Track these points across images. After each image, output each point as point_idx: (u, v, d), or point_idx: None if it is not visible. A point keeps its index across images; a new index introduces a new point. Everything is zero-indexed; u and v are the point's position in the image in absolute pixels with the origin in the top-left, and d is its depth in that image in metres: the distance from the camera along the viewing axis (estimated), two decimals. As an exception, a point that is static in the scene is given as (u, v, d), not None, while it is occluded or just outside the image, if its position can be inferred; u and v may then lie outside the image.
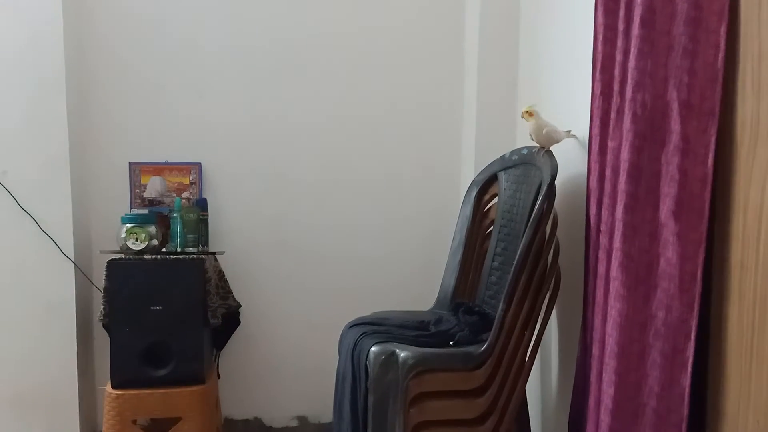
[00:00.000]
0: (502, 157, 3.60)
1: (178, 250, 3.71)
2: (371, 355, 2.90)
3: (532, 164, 3.25)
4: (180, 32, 4.06)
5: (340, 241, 4.32)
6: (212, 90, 4.11)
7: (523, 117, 3.21)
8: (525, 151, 3.37)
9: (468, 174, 4.11)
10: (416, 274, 4.34)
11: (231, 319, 4.01)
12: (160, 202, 4.03)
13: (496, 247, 3.41)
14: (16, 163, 3.73)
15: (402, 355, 2.85)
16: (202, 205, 3.92)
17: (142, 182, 4.03)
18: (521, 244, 2.91)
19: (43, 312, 3.80)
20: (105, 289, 3.56)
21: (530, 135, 3.18)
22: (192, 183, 4.06)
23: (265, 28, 4.14)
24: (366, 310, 3.64)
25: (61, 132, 3.76)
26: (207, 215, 3.91)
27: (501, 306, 2.89)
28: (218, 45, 4.10)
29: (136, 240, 3.60)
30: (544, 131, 3.12)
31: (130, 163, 4.02)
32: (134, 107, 4.04)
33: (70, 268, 3.81)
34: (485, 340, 2.91)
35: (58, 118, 3.75)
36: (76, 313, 3.84)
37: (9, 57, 3.70)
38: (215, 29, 4.09)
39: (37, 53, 3.71)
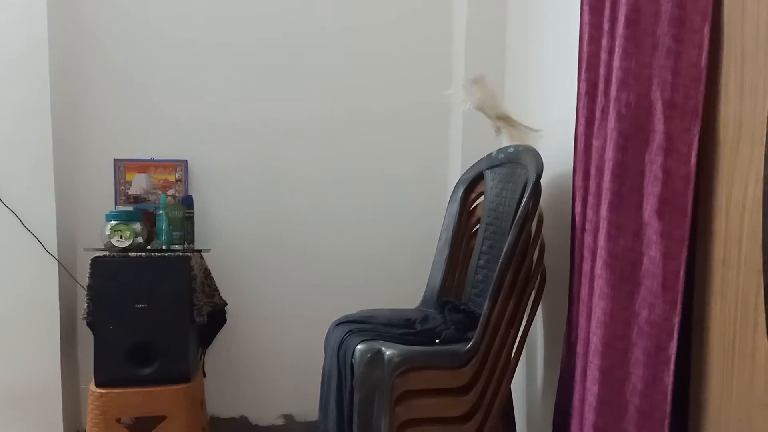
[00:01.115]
0: (489, 155, 3.60)
1: (164, 247, 3.70)
2: (357, 353, 2.90)
3: (518, 163, 3.25)
4: (166, 29, 4.06)
5: (327, 239, 4.33)
6: (198, 87, 4.12)
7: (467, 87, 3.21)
8: (511, 150, 3.37)
9: (455, 172, 4.12)
10: (403, 272, 4.35)
11: (217, 317, 4.01)
12: (145, 200, 4.02)
13: (482, 246, 3.41)
14: (-1, 160, 3.73)
15: (388, 353, 2.84)
16: (187, 202, 3.91)
17: (127, 179, 4.02)
18: (507, 243, 2.91)
19: (26, 310, 3.80)
20: (89, 286, 3.54)
21: (477, 108, 3.19)
22: (178, 180, 4.06)
23: (252, 25, 4.15)
24: (352, 308, 3.63)
25: (45, 128, 3.76)
26: (193, 213, 3.90)
27: (486, 304, 2.89)
28: (204, 42, 4.10)
29: (121, 237, 3.58)
30: (488, 103, 3.13)
31: (114, 159, 4.01)
32: (119, 104, 4.04)
33: (54, 266, 3.80)
34: (471, 338, 2.91)
35: (43, 115, 3.75)
36: (60, 310, 3.84)
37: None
38: (202, 27, 4.10)
39: (22, 49, 3.71)
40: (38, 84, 3.73)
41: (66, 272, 3.89)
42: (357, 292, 4.28)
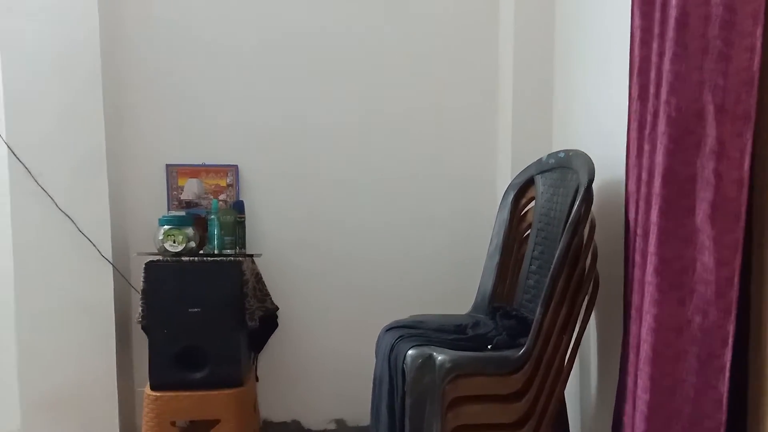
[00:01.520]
0: (539, 160, 3.57)
1: (216, 252, 3.73)
2: (408, 359, 2.90)
3: (569, 168, 3.22)
4: (214, 34, 4.08)
5: (377, 244, 4.33)
6: (248, 92, 4.14)
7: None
8: (562, 155, 3.34)
9: (504, 177, 4.10)
10: (452, 277, 4.32)
11: (269, 322, 4.03)
12: (197, 204, 4.05)
13: (533, 251, 3.38)
14: (53, 166, 3.77)
15: (439, 358, 2.84)
16: (239, 207, 3.94)
17: (179, 184, 4.05)
18: (558, 248, 2.88)
19: (81, 313, 3.84)
20: (143, 290, 3.59)
21: None
22: (229, 185, 4.08)
23: (296, 27, 4.16)
24: (402, 313, 3.64)
25: (98, 134, 3.81)
26: (244, 217, 3.93)
27: (539, 310, 2.87)
28: (252, 46, 4.12)
29: (174, 242, 3.62)
30: None
31: (167, 165, 4.05)
32: (171, 109, 4.07)
33: (108, 270, 3.84)
34: (523, 344, 2.89)
35: (95, 120, 3.80)
36: (115, 314, 3.87)
37: (46, 60, 3.74)
38: (248, 31, 4.12)
39: (74, 56, 3.76)
40: (90, 90, 3.78)
41: (120, 276, 3.94)
42: (406, 296, 4.28)
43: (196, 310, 3.54)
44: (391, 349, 3.13)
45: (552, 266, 2.88)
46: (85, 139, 3.79)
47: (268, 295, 4.02)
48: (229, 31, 4.10)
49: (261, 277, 4.00)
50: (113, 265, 3.84)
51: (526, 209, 3.67)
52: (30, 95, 3.74)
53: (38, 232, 3.79)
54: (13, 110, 3.73)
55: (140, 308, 3.62)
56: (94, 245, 3.80)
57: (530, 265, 3.38)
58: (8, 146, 3.71)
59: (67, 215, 3.77)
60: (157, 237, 3.64)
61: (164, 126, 4.07)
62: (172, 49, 4.06)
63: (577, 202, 2.91)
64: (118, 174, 3.99)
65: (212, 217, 3.78)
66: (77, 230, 3.79)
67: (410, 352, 2.92)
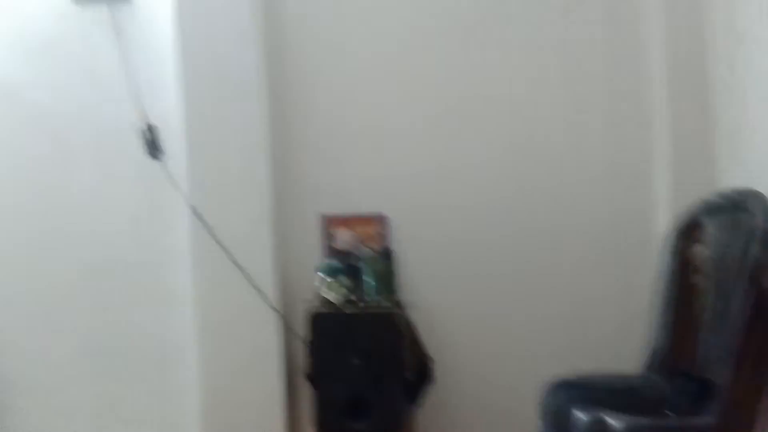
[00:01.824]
0: (705, 200, 3.38)
1: (372, 303, 3.79)
2: (581, 424, 2.79)
3: (742, 209, 3.03)
4: (369, 86, 4.22)
5: (530, 295, 4.24)
6: (394, 141, 4.24)
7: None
8: (733, 194, 3.17)
9: (663, 220, 3.94)
10: (614, 330, 4.12)
11: (425, 374, 3.99)
12: (350, 254, 4.08)
13: (708, 304, 3.18)
14: (224, 220, 3.91)
15: (615, 425, 2.70)
16: (390, 256, 4.00)
17: (332, 234, 4.13)
18: (740, 301, 2.71)
19: (250, 361, 3.95)
20: (307, 341, 3.72)
21: None
22: (380, 234, 4.12)
23: (445, 77, 4.24)
24: (562, 367, 3.48)
25: (264, 188, 3.98)
26: (395, 267, 3.99)
27: (725, 372, 2.69)
28: (398, 98, 4.24)
29: (332, 292, 3.76)
30: None
31: (320, 214, 4.15)
32: (324, 160, 4.21)
33: (275, 319, 3.95)
34: (707, 411, 2.73)
35: (261, 174, 3.97)
36: (282, 363, 3.98)
37: (216, 123, 3.94)
38: (396, 84, 4.23)
39: (242, 115, 3.95)
40: (258, 149, 3.96)
41: (286, 325, 4.03)
42: (565, 349, 4.13)
43: (357, 361, 3.62)
44: (560, 411, 3.03)
45: (735, 322, 2.72)
46: (254, 194, 3.96)
47: (423, 346, 4.00)
48: (383, 84, 4.24)
49: (416, 329, 3.97)
50: (280, 315, 3.95)
51: (694, 256, 3.48)
52: (205, 150, 3.96)
53: (214, 284, 3.94)
54: (194, 169, 3.95)
55: (306, 358, 3.77)
56: (264, 295, 3.91)
57: (706, 319, 3.18)
58: (191, 206, 3.91)
59: (237, 265, 3.87)
60: (316, 286, 3.80)
61: (318, 176, 4.20)
62: (330, 101, 4.22)
63: (756, 248, 2.74)
64: (280, 224, 4.10)
65: (365, 266, 3.86)
66: (246, 280, 3.89)
67: (582, 416, 2.81)
